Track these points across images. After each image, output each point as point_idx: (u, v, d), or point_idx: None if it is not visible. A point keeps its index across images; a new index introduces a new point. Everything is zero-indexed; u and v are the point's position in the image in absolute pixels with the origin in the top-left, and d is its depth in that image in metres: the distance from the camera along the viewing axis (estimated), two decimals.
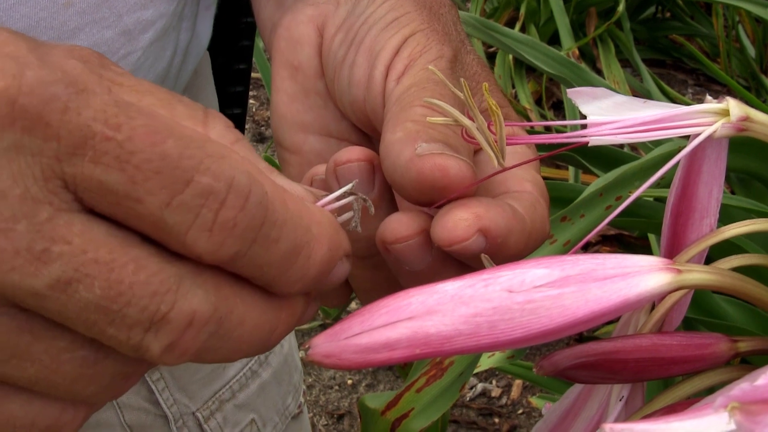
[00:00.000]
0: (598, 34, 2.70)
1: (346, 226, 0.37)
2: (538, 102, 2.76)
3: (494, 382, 2.04)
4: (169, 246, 0.30)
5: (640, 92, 2.51)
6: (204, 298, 0.30)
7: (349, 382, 2.07)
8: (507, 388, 2.02)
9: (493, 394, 2.01)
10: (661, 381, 0.44)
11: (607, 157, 1.19)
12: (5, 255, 0.27)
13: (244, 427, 0.69)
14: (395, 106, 0.40)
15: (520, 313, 0.31)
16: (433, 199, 0.37)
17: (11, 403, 0.31)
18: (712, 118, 0.36)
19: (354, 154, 0.40)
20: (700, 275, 0.33)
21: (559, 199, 1.03)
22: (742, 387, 0.26)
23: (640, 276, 0.32)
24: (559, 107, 2.78)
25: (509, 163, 0.40)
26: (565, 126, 1.98)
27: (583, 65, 2.54)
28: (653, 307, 0.39)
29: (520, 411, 1.97)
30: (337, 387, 2.05)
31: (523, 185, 0.40)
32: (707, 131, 0.35)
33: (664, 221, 0.40)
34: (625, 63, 2.80)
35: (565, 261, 0.32)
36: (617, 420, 0.39)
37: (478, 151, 0.42)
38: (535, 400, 1.54)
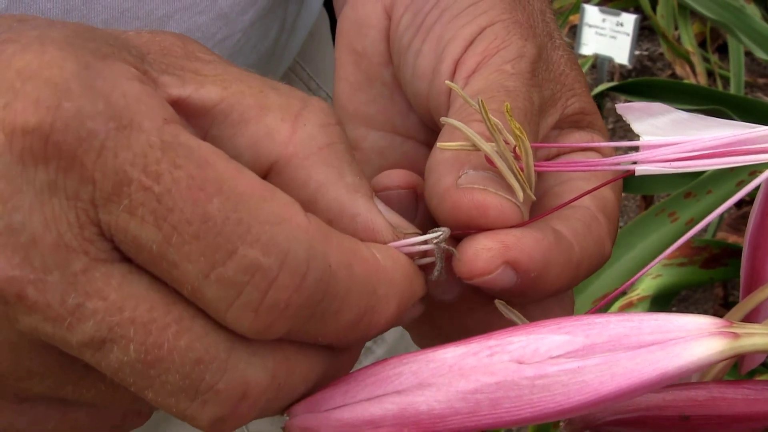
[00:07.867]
0: None
1: (427, 272, 0.32)
2: (702, 45, 2.59)
3: None
4: (209, 315, 0.27)
5: None
6: (260, 366, 0.27)
7: None
8: None
9: None
10: None
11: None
12: (37, 306, 0.25)
13: None
14: (455, 115, 0.35)
15: (529, 389, 0.26)
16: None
17: (76, 412, 0.30)
18: None
19: (395, 179, 0.35)
20: (763, 339, 0.27)
21: None
22: None
23: (685, 344, 0.27)
24: (723, 50, 2.60)
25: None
26: (622, 148, 1.85)
27: (752, 7, 2.37)
28: None
29: None
30: None
31: (582, 200, 0.35)
32: None
33: (744, 252, 0.34)
34: None
35: (592, 324, 0.27)
36: None
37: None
38: None
